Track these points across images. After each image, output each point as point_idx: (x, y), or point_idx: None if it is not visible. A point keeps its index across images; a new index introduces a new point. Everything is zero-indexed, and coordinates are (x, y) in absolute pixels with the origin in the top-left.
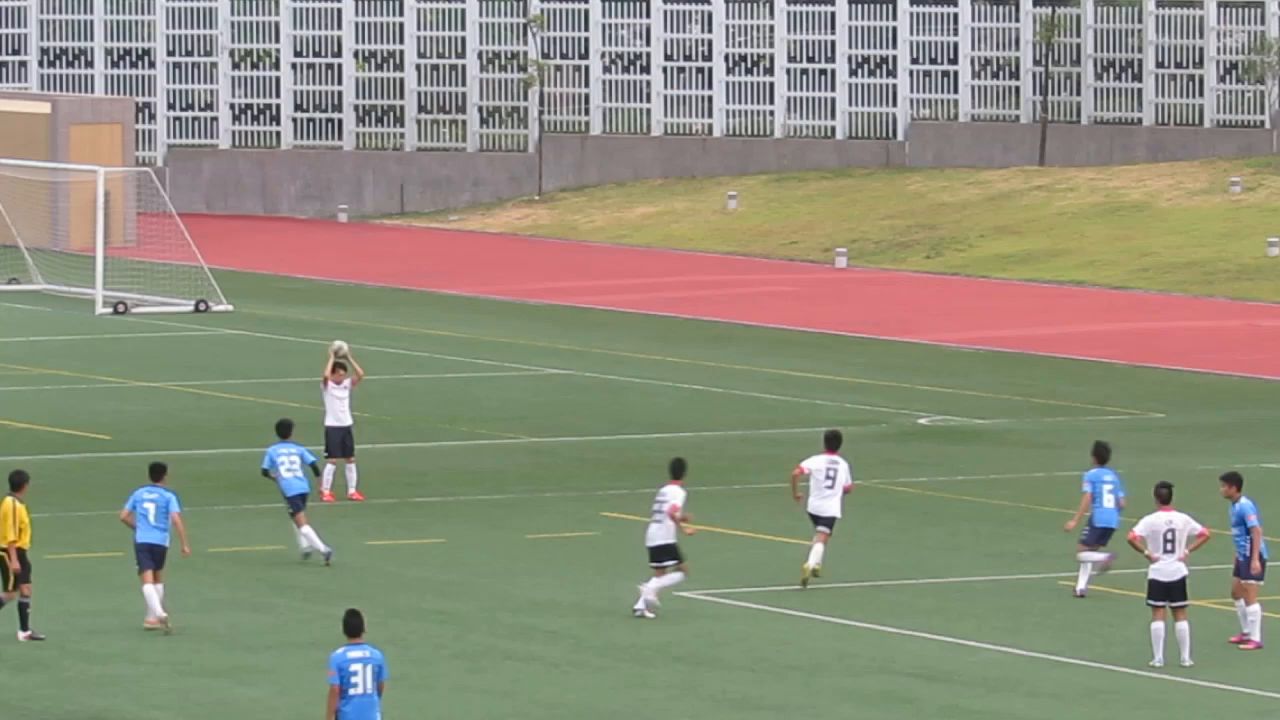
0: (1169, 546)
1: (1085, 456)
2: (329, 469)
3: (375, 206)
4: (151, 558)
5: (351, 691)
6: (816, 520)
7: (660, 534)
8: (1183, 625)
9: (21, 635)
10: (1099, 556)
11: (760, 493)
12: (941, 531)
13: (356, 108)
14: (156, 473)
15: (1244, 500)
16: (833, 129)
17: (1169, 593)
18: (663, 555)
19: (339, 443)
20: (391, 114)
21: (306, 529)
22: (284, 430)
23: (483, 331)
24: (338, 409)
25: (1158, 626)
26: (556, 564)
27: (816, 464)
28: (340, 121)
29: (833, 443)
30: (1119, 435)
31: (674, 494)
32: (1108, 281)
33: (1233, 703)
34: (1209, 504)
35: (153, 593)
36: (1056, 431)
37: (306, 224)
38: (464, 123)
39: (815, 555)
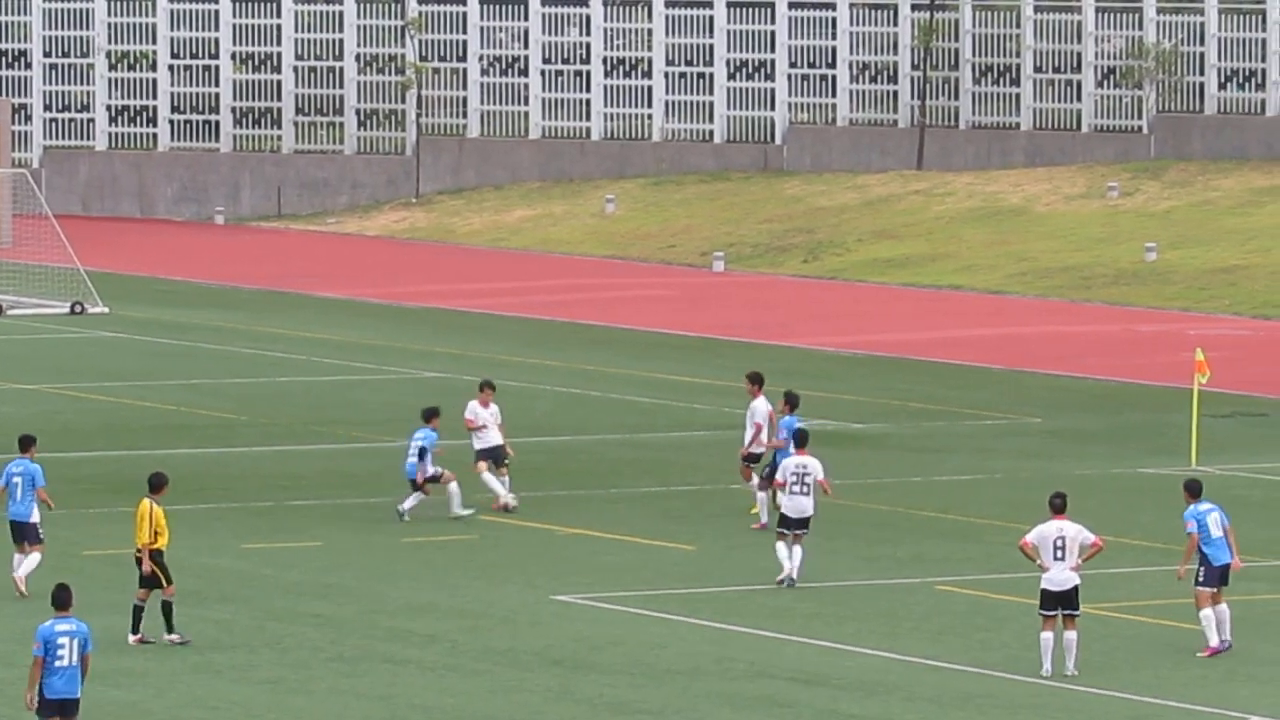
0: (1059, 554)
1: (963, 459)
2: None
3: (252, 209)
4: (21, 534)
5: (57, 664)
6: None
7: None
8: (1071, 634)
9: (166, 638)
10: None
11: (637, 496)
12: (819, 535)
13: (234, 110)
14: (25, 444)
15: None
16: (711, 133)
17: (1060, 601)
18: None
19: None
20: (269, 116)
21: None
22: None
23: (360, 334)
24: None
25: (1046, 636)
26: (434, 567)
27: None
28: (217, 124)
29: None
30: (996, 440)
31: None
32: (985, 286)
33: (1109, 708)
34: (1086, 509)
35: (20, 560)
36: (934, 436)
37: (183, 226)
38: (341, 125)
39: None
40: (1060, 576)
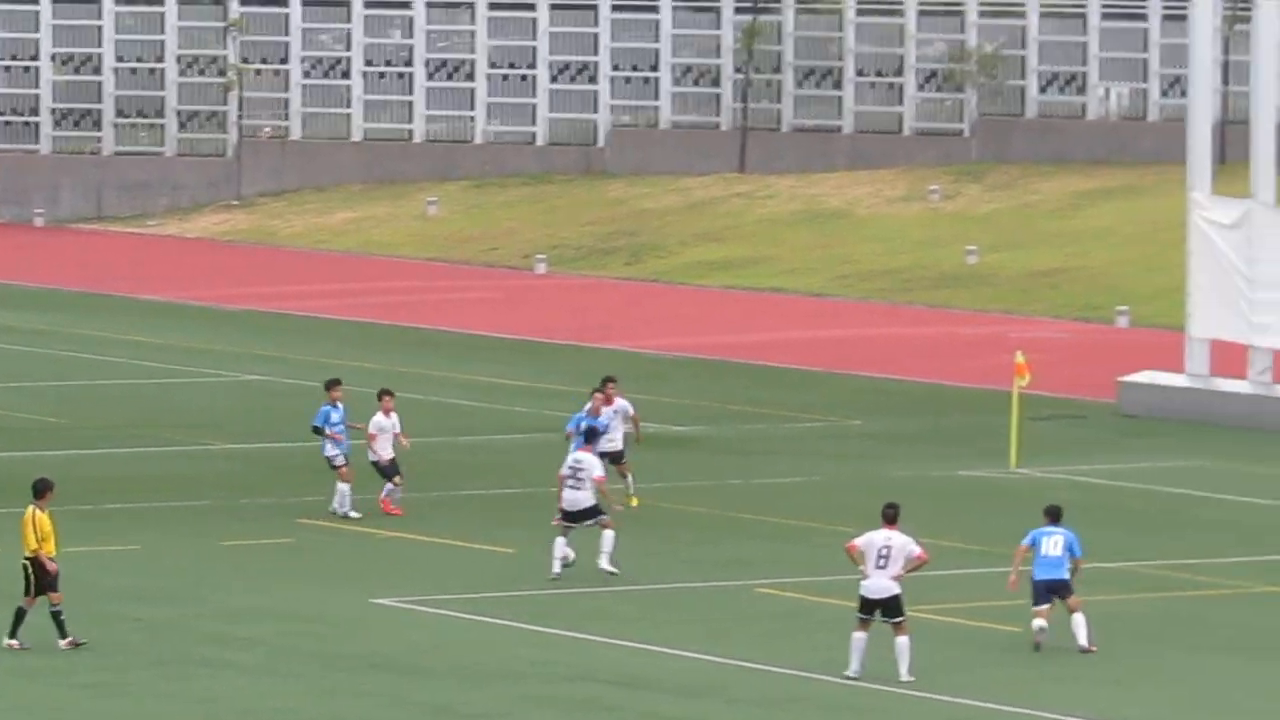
0: (882, 563)
1: (783, 462)
2: None
3: (72, 210)
4: None
5: None
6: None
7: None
8: (902, 640)
9: (62, 644)
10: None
11: (459, 499)
12: (641, 538)
13: (53, 111)
14: None
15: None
16: (533, 135)
17: (876, 609)
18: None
19: None
20: (89, 118)
21: None
22: None
23: (180, 337)
24: None
25: (858, 637)
26: (253, 571)
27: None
28: (37, 125)
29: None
30: (817, 442)
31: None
32: (807, 289)
33: (930, 709)
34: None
35: None
36: (755, 438)
37: (2, 228)
38: (162, 127)
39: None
40: (879, 584)
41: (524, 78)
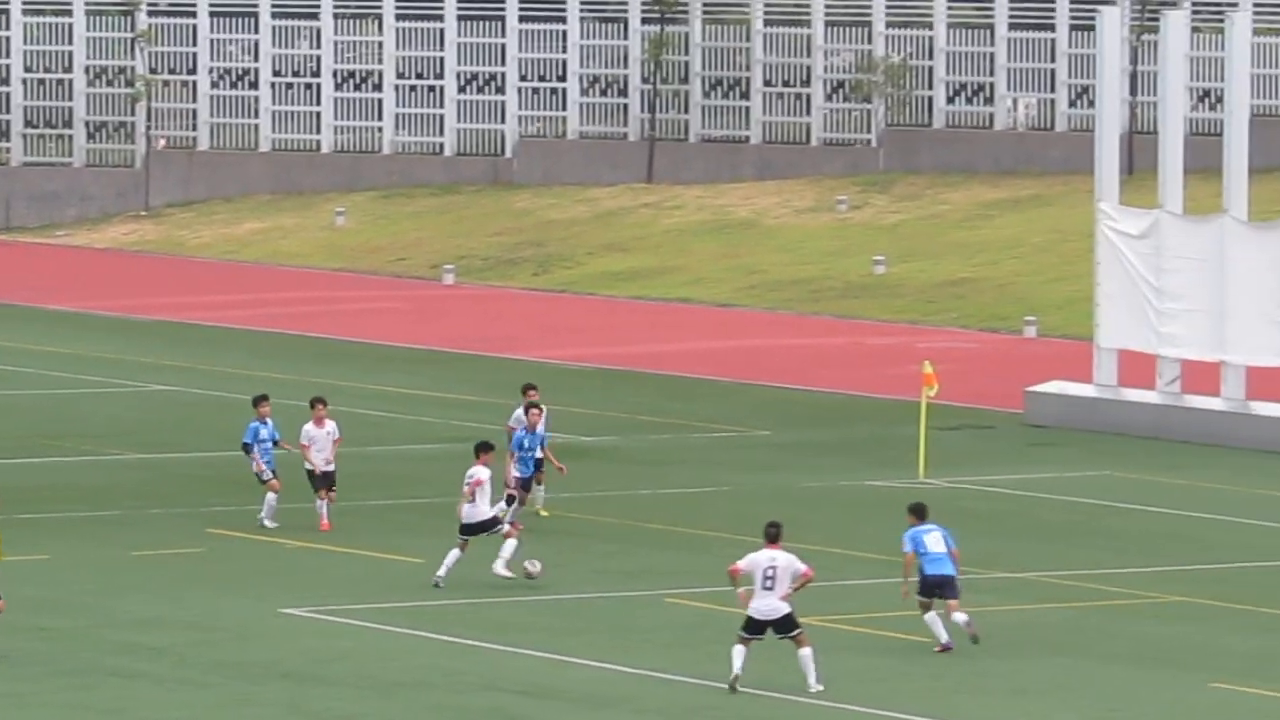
0: (769, 584)
1: (692, 472)
2: None
3: None
4: None
5: None
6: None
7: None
8: (805, 651)
9: None
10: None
11: (369, 510)
12: (549, 548)
13: None
14: None
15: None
16: (441, 145)
17: (765, 629)
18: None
19: None
20: None
21: None
22: None
23: (89, 347)
24: None
25: (739, 649)
26: (162, 581)
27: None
28: None
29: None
30: (725, 453)
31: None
32: (714, 299)
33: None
34: (814, 522)
35: None
36: (663, 449)
37: None
38: (70, 138)
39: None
40: (767, 605)
41: (432, 88)
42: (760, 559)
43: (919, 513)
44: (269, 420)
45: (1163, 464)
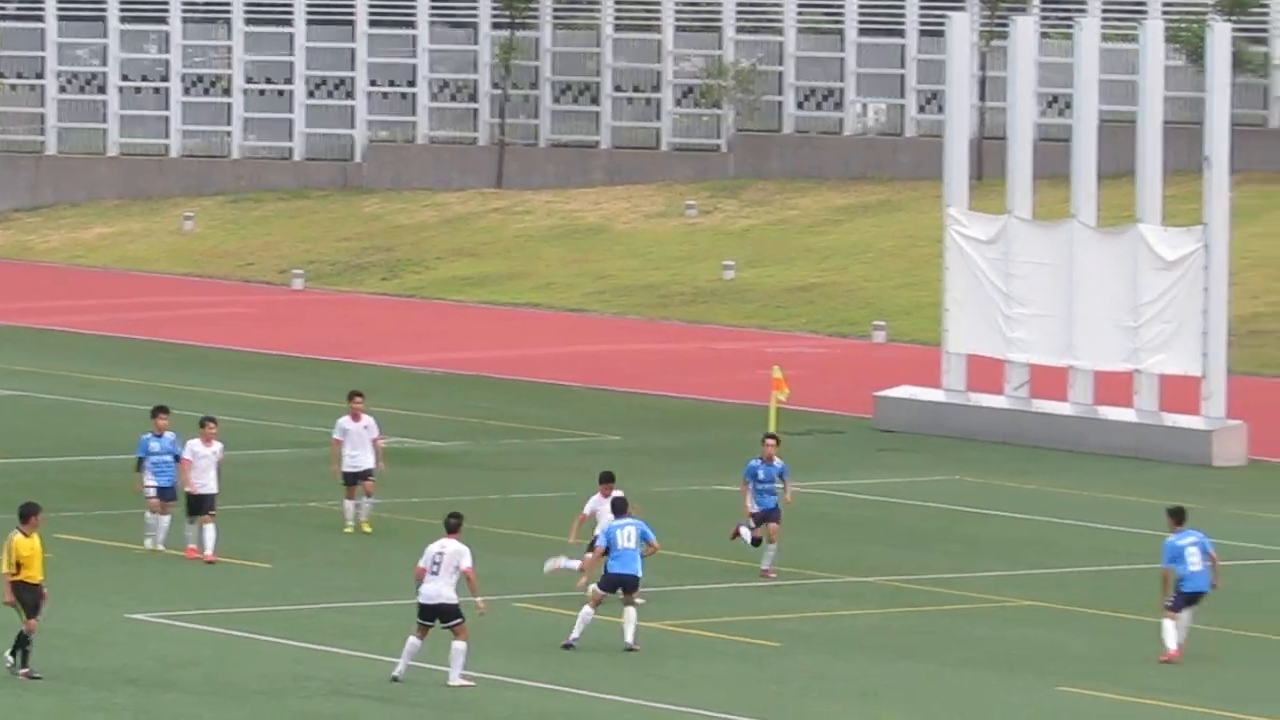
0: (435, 569)
1: (542, 477)
2: None
3: None
4: None
5: None
6: None
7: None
8: (459, 645)
9: (22, 671)
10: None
11: (218, 515)
12: (397, 554)
13: None
14: None
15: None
16: (290, 150)
17: (432, 614)
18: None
19: None
20: None
21: None
22: None
23: None
24: None
25: (413, 641)
26: None
27: None
28: None
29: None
30: (575, 458)
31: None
32: (564, 304)
33: None
34: (665, 527)
35: None
36: (513, 454)
37: None
38: None
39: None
40: (432, 590)
41: (281, 93)
42: (433, 547)
43: (1179, 517)
44: (166, 433)
45: (1012, 469)
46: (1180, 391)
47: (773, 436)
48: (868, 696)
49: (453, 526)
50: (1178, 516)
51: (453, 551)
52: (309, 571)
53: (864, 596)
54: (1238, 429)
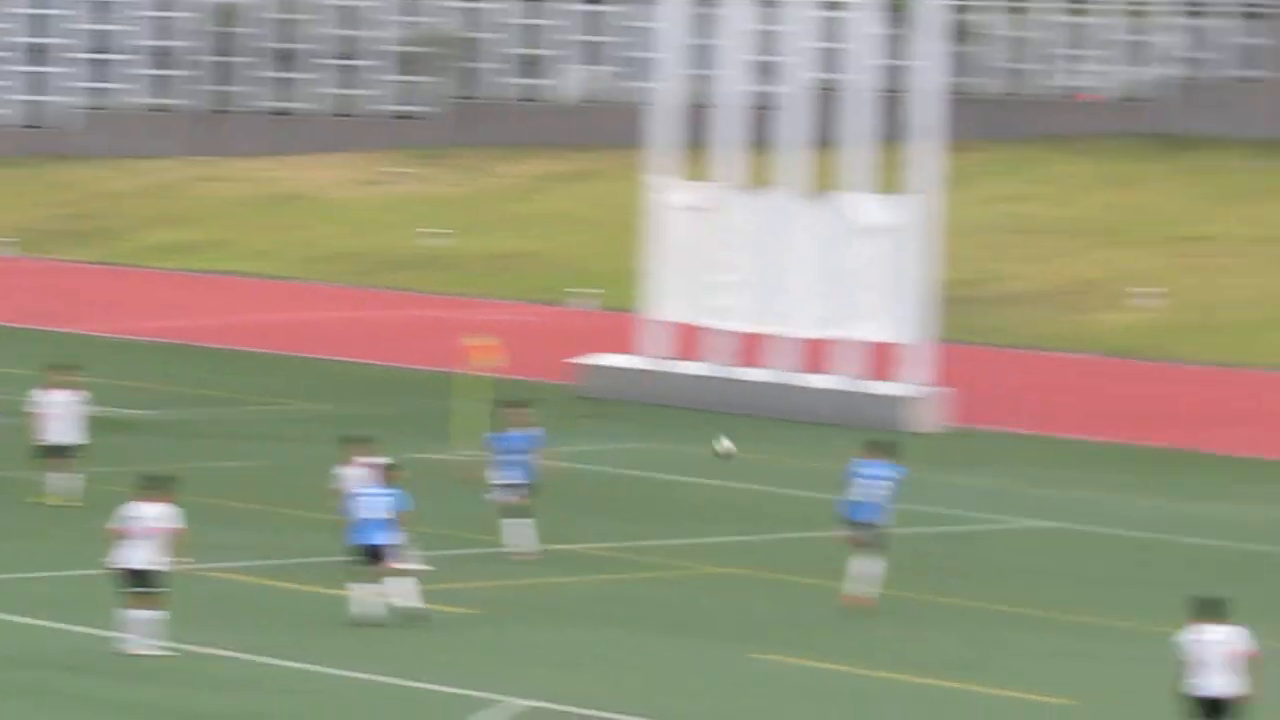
0: (136, 534)
1: (241, 446)
2: None
3: None
4: None
5: None
6: None
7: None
8: (153, 614)
9: None
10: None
11: None
12: (92, 523)
13: None
14: None
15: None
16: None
17: (138, 581)
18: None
19: None
20: None
21: None
22: None
23: None
24: None
25: (133, 613)
26: None
27: None
28: None
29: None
30: (275, 426)
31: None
32: (269, 272)
33: (377, 691)
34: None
35: None
36: (213, 422)
37: None
38: None
39: None
40: (140, 556)
41: None
42: (129, 511)
43: (873, 449)
44: None
45: (708, 436)
46: (890, 360)
47: (515, 404)
48: (568, 665)
49: (154, 491)
50: (871, 449)
51: (153, 516)
52: (8, 543)
53: (561, 564)
54: (937, 395)
